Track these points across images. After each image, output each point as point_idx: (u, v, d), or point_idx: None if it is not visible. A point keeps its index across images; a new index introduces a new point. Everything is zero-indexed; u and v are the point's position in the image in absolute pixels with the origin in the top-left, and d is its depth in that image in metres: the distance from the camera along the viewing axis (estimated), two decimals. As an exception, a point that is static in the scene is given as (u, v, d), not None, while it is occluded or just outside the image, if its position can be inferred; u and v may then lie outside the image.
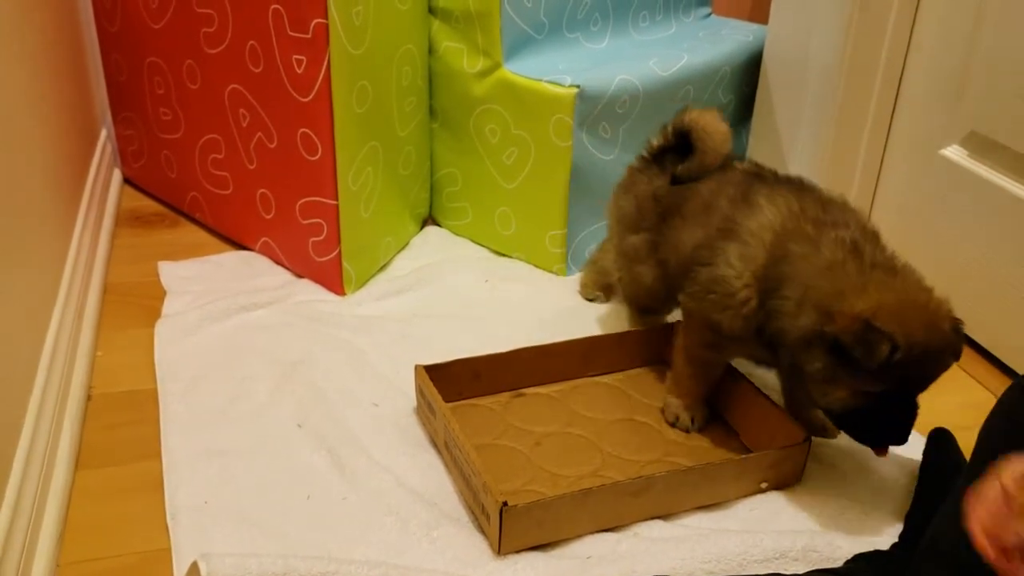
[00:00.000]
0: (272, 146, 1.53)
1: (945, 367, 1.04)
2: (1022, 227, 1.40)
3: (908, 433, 1.06)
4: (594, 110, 1.53)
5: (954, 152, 1.52)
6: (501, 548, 1.04)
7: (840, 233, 1.08)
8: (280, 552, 1.00)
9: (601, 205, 1.59)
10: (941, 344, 1.02)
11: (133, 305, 1.53)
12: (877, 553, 1.02)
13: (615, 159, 1.60)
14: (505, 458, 1.19)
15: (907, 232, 1.65)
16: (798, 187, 1.19)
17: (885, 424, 1.05)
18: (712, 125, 1.27)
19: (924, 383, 1.05)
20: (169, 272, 1.62)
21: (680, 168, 1.29)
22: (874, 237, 1.11)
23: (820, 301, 1.04)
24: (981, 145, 1.47)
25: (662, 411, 1.28)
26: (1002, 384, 1.39)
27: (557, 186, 1.58)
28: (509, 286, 1.62)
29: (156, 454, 1.19)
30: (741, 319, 1.13)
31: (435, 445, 1.22)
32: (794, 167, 1.69)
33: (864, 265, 1.05)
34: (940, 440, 1.19)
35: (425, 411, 1.24)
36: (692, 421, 1.25)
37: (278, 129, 1.50)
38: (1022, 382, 0.94)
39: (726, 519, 1.12)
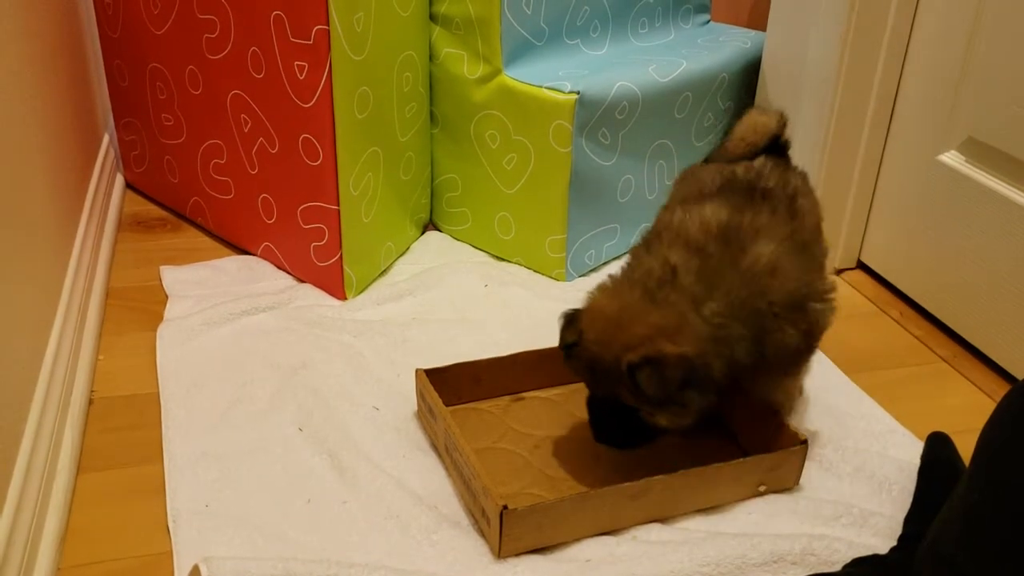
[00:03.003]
0: (274, 151, 1.53)
1: (624, 396, 1.07)
2: (1019, 232, 1.40)
3: (595, 427, 1.14)
4: (593, 116, 1.54)
5: (951, 158, 1.53)
6: (501, 551, 1.04)
7: (663, 259, 1.10)
8: (280, 555, 1.00)
9: (600, 210, 1.60)
10: (610, 368, 1.05)
11: (135, 309, 1.54)
12: (875, 557, 1.02)
13: (614, 165, 1.61)
14: (505, 461, 1.20)
15: (905, 238, 1.65)
16: (741, 204, 1.15)
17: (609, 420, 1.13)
18: (749, 114, 1.31)
19: (591, 388, 1.12)
20: (171, 276, 1.62)
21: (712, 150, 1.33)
22: (687, 267, 1.09)
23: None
24: (978, 151, 1.48)
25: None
26: (1000, 388, 1.40)
27: (557, 191, 1.58)
28: (509, 291, 1.63)
29: (157, 458, 1.19)
30: None
31: (435, 448, 1.22)
32: (793, 173, 1.70)
33: (640, 285, 1.08)
34: (938, 444, 1.20)
35: (425, 415, 1.25)
36: None
37: (280, 134, 1.51)
38: (1021, 386, 0.94)
39: (724, 522, 1.12)
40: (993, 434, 0.88)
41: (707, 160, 1.31)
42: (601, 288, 1.13)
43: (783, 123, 1.31)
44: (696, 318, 1.06)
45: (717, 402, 1.10)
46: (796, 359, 1.21)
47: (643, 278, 1.09)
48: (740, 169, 1.24)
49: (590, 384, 1.12)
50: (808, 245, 1.18)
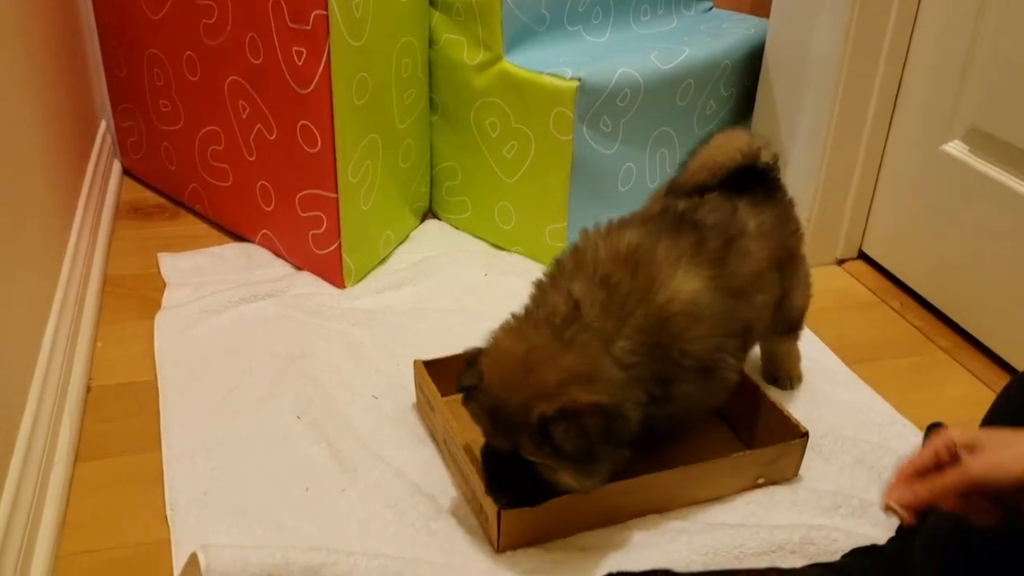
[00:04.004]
0: (272, 138, 1.52)
1: (535, 454, 0.95)
2: (1022, 222, 1.40)
3: (488, 479, 1.01)
4: (595, 103, 1.53)
5: (955, 148, 1.52)
6: (499, 546, 1.04)
7: (565, 292, 1.01)
8: (279, 544, 1.00)
9: (601, 199, 1.59)
10: (519, 418, 0.94)
11: (133, 297, 1.53)
12: (874, 547, 1.02)
13: (615, 153, 1.60)
14: (504, 452, 1.19)
15: (907, 228, 1.65)
16: (660, 232, 1.07)
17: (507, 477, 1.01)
18: (713, 139, 1.20)
19: (504, 439, 0.98)
20: (169, 264, 1.62)
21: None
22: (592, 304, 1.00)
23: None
24: (982, 141, 1.47)
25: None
26: (1000, 379, 1.39)
27: (557, 180, 1.58)
28: (509, 280, 1.62)
29: (155, 446, 1.19)
30: None
31: (434, 439, 1.22)
32: (794, 161, 1.69)
33: (546, 324, 0.99)
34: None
35: (424, 406, 1.24)
36: None
37: (278, 121, 1.50)
38: (1022, 377, 0.94)
39: (723, 512, 1.12)
40: (994, 424, 0.88)
41: (667, 191, 1.22)
42: (504, 328, 1.02)
43: (755, 149, 1.18)
44: (608, 361, 0.97)
45: (629, 457, 0.99)
46: (698, 414, 1.14)
47: (548, 316, 0.99)
48: (685, 201, 1.15)
49: (488, 432, 1.00)
50: (741, 295, 1.08)
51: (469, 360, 1.01)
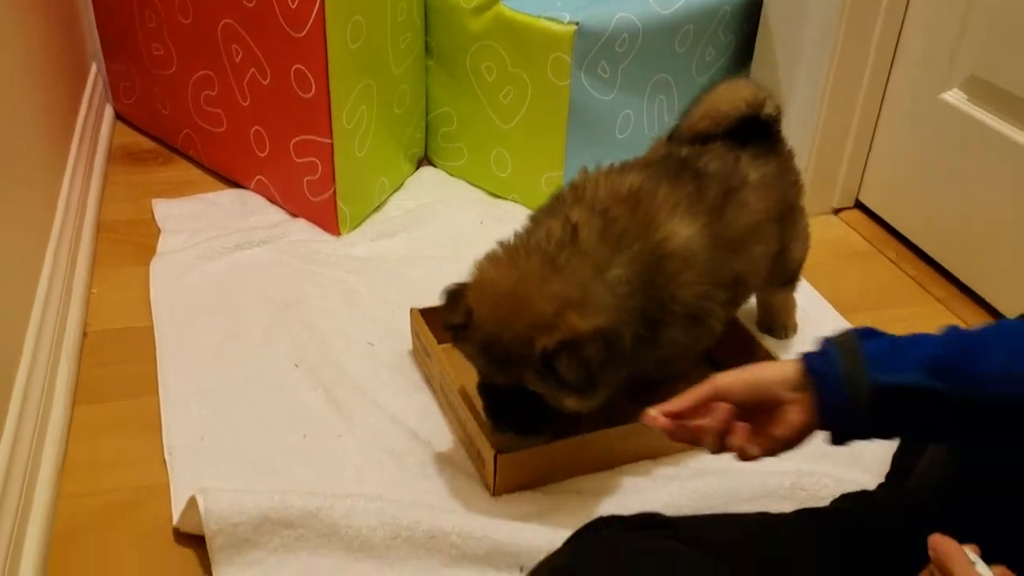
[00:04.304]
0: (265, 83, 1.50)
1: (539, 385, 0.95)
2: (1019, 171, 1.39)
3: (492, 414, 1.00)
4: (593, 48, 1.51)
5: (954, 96, 1.51)
6: (495, 490, 1.05)
7: (563, 218, 1.00)
8: (276, 488, 1.01)
9: (599, 146, 1.58)
10: (520, 351, 0.93)
11: (127, 243, 1.52)
12: (864, 493, 1.03)
13: (613, 100, 1.59)
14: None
15: (904, 177, 1.64)
16: (662, 176, 1.07)
17: (509, 407, 1.01)
18: (717, 88, 1.19)
19: (502, 375, 0.97)
20: (163, 210, 1.61)
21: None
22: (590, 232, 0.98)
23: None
24: (981, 89, 1.46)
25: None
26: (993, 329, 1.40)
27: (554, 127, 1.56)
28: (504, 228, 1.60)
29: (153, 391, 1.19)
30: None
31: (430, 386, 1.23)
32: (792, 109, 1.67)
33: (538, 250, 0.97)
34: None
35: (420, 353, 1.25)
36: None
37: (271, 65, 1.48)
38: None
39: (714, 459, 1.11)
40: None
41: (670, 137, 1.21)
42: (491, 258, 0.99)
43: (760, 100, 1.16)
44: (601, 285, 0.95)
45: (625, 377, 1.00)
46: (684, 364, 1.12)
47: (540, 242, 0.97)
48: (687, 148, 1.14)
49: (484, 369, 0.99)
50: (736, 247, 1.08)
51: (452, 296, 0.98)
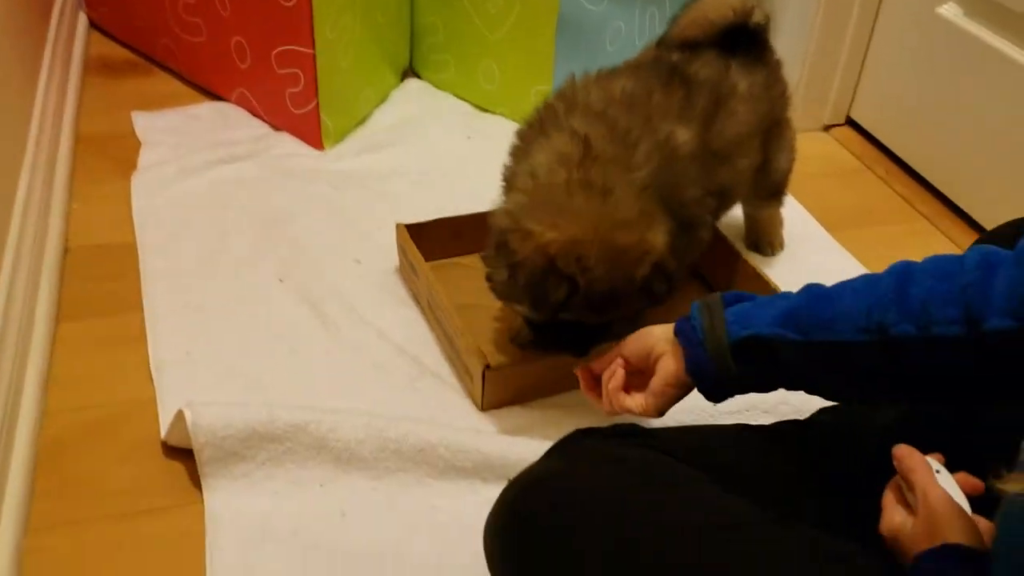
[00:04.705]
0: (245, -10, 1.46)
1: (635, 307, 0.98)
2: (1014, 87, 1.38)
3: (584, 348, 0.99)
4: (582, -43, 1.46)
5: (949, 10, 1.48)
6: (483, 405, 1.06)
7: (569, 131, 0.98)
8: (264, 402, 1.01)
9: (588, 59, 1.54)
10: (626, 290, 0.95)
11: (107, 157, 1.49)
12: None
13: (603, 11, 1.55)
14: (487, 318, 1.20)
15: (897, 94, 1.62)
16: (653, 81, 1.05)
17: (563, 336, 1.00)
18: None
19: (602, 317, 0.97)
20: (144, 123, 1.57)
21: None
22: (623, 148, 0.98)
23: (515, 212, 0.97)
24: (978, 3, 1.43)
25: None
26: (979, 247, 1.40)
27: (543, 38, 1.52)
28: (492, 144, 1.58)
29: (137, 307, 1.19)
30: None
31: (417, 302, 1.23)
32: (786, 24, 1.64)
33: (573, 182, 0.95)
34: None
35: (407, 270, 1.24)
36: None
37: (251, -28, 1.43)
38: (981, 238, 0.96)
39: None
40: None
41: (659, 44, 1.19)
42: (528, 210, 0.95)
43: (749, 8, 1.14)
44: (640, 191, 0.96)
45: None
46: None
47: (561, 169, 0.95)
48: (678, 53, 1.12)
49: (596, 315, 0.96)
50: (723, 157, 1.08)
51: (538, 270, 0.93)
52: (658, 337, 0.84)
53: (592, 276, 0.93)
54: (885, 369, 0.71)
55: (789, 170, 1.30)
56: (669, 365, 0.82)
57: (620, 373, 0.87)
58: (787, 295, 0.78)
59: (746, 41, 1.16)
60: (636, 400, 0.86)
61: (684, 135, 1.03)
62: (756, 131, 1.14)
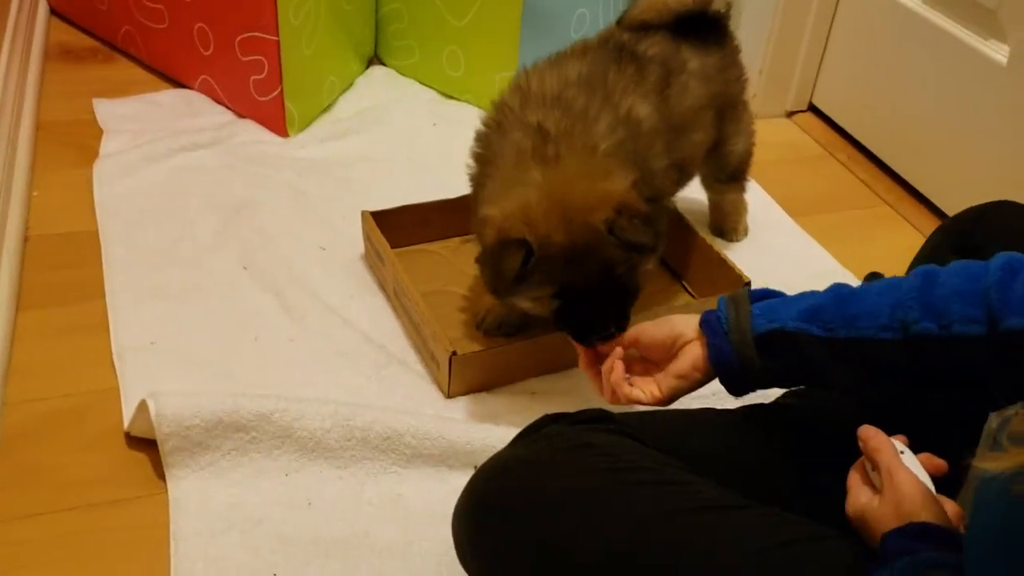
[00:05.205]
0: (207, -24, 1.44)
1: (618, 260, 0.94)
2: (972, 74, 1.39)
3: (601, 328, 0.93)
4: (548, -57, 1.46)
5: (911, -2, 1.50)
6: (450, 392, 1.06)
7: (537, 118, 0.98)
8: (229, 391, 1.01)
9: (553, 45, 1.54)
10: (592, 241, 0.91)
11: (68, 144, 1.47)
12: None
13: (569, -3, 1.55)
14: (453, 305, 1.20)
15: (858, 80, 1.64)
16: (604, 62, 1.06)
17: (580, 319, 0.95)
18: None
19: (591, 279, 0.94)
20: (105, 110, 1.55)
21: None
22: (584, 119, 0.98)
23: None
24: (939, -10, 1.45)
25: None
26: (938, 232, 1.43)
27: (508, 25, 1.52)
28: (458, 130, 1.58)
29: (99, 295, 1.17)
30: None
31: (383, 290, 1.22)
32: (749, 11, 1.65)
33: (528, 161, 0.95)
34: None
35: (373, 257, 1.24)
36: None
37: (213, -43, 1.41)
38: (944, 224, 0.97)
39: (666, 360, 1.15)
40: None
41: (618, 22, 1.19)
42: (492, 200, 0.96)
43: None
44: (603, 152, 0.97)
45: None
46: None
47: (519, 161, 0.96)
48: (628, 35, 1.13)
49: (576, 278, 0.93)
50: (679, 130, 1.09)
51: (503, 245, 0.92)
52: (685, 324, 0.84)
53: (541, 232, 0.91)
54: (906, 367, 0.72)
55: (748, 154, 1.31)
56: (697, 350, 0.82)
57: (620, 365, 0.87)
58: (814, 293, 0.79)
59: (706, 27, 1.17)
60: (648, 387, 0.85)
61: (644, 109, 1.04)
62: (709, 106, 1.17)
